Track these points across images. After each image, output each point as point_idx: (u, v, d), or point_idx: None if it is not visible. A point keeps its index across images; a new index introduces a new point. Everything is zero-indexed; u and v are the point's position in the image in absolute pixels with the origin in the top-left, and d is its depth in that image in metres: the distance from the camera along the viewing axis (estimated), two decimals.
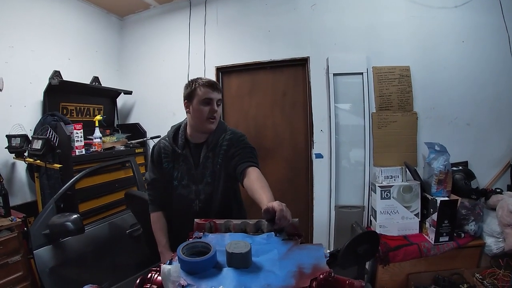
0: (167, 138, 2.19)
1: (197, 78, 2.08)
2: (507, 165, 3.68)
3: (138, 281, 1.17)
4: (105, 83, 4.60)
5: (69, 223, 2.74)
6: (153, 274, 1.19)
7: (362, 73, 3.82)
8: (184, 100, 2.09)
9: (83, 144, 3.59)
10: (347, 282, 1.12)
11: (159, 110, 4.76)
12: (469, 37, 3.65)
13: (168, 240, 2.19)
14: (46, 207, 2.97)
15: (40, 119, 3.63)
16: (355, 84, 3.85)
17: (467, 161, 3.68)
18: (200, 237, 1.55)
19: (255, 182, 1.82)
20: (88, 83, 4.36)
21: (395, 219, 3.36)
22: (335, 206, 3.88)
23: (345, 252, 1.39)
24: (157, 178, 2.21)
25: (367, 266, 3.26)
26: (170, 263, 1.27)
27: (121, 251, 3.32)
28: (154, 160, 2.21)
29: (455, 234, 3.19)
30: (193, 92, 2.03)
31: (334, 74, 3.88)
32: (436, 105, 3.74)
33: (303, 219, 4.06)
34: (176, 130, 2.20)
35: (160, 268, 1.16)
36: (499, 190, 3.47)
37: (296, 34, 4.14)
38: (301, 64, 4.17)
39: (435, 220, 3.13)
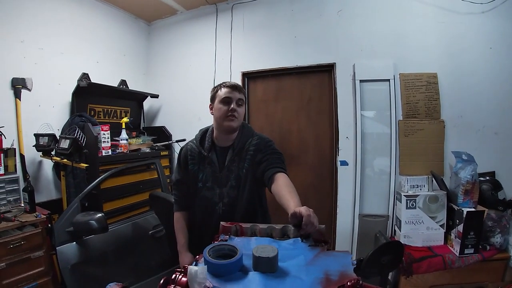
0: (194, 141, 2.22)
1: (222, 82, 2.12)
2: None
3: (162, 281, 1.17)
4: (132, 86, 4.69)
5: (93, 222, 2.79)
6: (178, 275, 1.18)
7: (389, 80, 3.77)
8: (209, 104, 2.14)
9: (109, 145, 3.66)
10: None
11: (184, 114, 4.81)
12: (496, 43, 3.56)
13: (187, 241, 2.23)
14: (71, 205, 3.03)
15: (68, 120, 3.72)
16: (381, 91, 3.81)
17: (494, 171, 3.56)
18: (226, 240, 1.55)
19: (283, 188, 1.82)
20: (116, 86, 4.45)
21: (420, 229, 3.29)
22: (359, 214, 3.82)
23: (368, 261, 1.37)
24: (182, 180, 2.25)
25: (389, 277, 3.19)
26: (196, 265, 1.28)
27: (143, 252, 3.35)
28: (180, 162, 2.24)
29: (480, 247, 3.09)
30: (215, 93, 2.09)
31: (361, 81, 3.84)
32: (463, 113, 3.66)
33: (326, 227, 3.96)
34: (204, 133, 2.23)
35: (184, 269, 1.17)
36: None
37: (322, 40, 4.13)
38: (327, 70, 4.15)
39: (461, 231, 3.05)
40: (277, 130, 4.39)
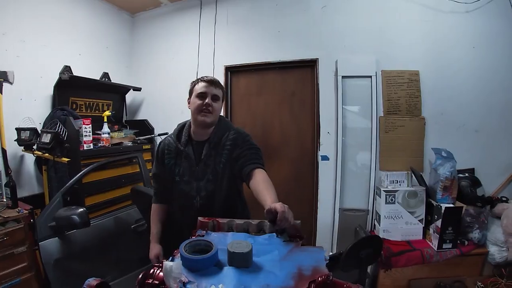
0: (172, 136, 2.24)
1: (201, 77, 2.14)
2: None
3: (140, 276, 1.20)
4: (114, 79, 4.63)
5: (75, 216, 2.78)
6: (155, 270, 1.22)
7: (371, 76, 3.80)
8: (188, 98, 2.16)
9: (91, 139, 3.61)
10: (345, 286, 1.14)
11: (167, 107, 4.79)
12: (480, 42, 3.62)
13: (158, 232, 2.29)
14: (53, 200, 3.02)
15: (50, 113, 3.67)
16: (363, 87, 3.84)
17: (473, 168, 3.65)
18: (203, 235, 1.58)
19: (261, 184, 1.84)
20: (98, 78, 4.39)
21: (399, 224, 3.35)
22: (339, 208, 3.87)
23: (347, 255, 1.40)
24: (159, 173, 2.28)
25: (368, 270, 3.25)
26: (172, 260, 1.30)
27: (125, 246, 3.35)
28: (158, 156, 2.27)
29: (458, 242, 3.16)
30: (193, 88, 2.12)
31: (343, 77, 3.87)
32: (444, 110, 3.72)
33: (306, 220, 4.08)
34: (181, 128, 2.25)
35: (162, 265, 1.19)
36: (505, 199, 3.44)
37: (306, 35, 4.14)
38: (310, 65, 4.17)
39: (439, 226, 3.11)
40: (259, 124, 4.40)
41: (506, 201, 3.39)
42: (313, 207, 4.12)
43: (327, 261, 1.35)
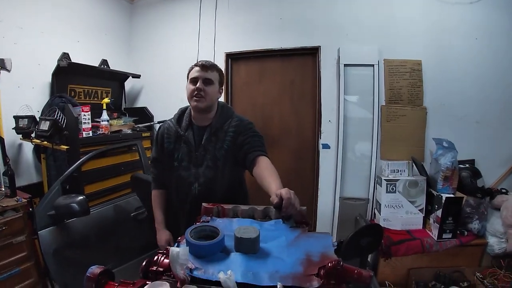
0: (172, 120, 2.21)
1: (196, 61, 2.10)
2: None
3: (144, 263, 1.18)
4: (113, 66, 4.57)
5: (74, 205, 2.75)
6: (160, 257, 1.19)
7: (373, 65, 3.78)
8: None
9: (90, 126, 3.58)
10: (356, 271, 1.11)
11: (167, 95, 4.74)
12: (483, 34, 3.61)
13: (164, 218, 2.27)
14: (52, 188, 2.99)
15: (48, 101, 3.62)
16: (365, 76, 3.83)
17: (474, 160, 3.66)
18: (208, 221, 1.55)
19: (265, 171, 1.84)
20: (97, 65, 4.35)
21: (399, 213, 3.37)
22: (339, 197, 3.89)
23: (348, 243, 1.40)
24: (158, 158, 2.25)
25: (369, 259, 3.26)
26: (178, 246, 1.28)
27: (125, 234, 3.33)
28: (157, 140, 2.23)
29: (458, 232, 3.18)
30: (188, 73, 2.07)
31: (345, 65, 3.84)
32: (446, 101, 3.72)
33: (307, 209, 4.00)
34: (182, 112, 2.21)
35: (167, 251, 1.17)
36: (504, 190, 3.46)
37: (308, 22, 4.09)
38: (312, 53, 4.13)
39: (439, 216, 3.12)
40: (259, 113, 4.38)
41: (506, 193, 3.41)
42: (313, 195, 4.13)
43: (335, 247, 1.34)
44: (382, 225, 3.29)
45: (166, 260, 1.15)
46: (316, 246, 1.32)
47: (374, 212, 3.69)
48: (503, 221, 3.13)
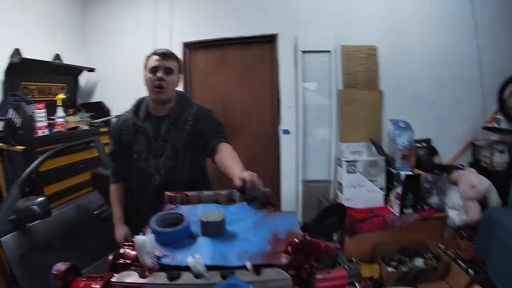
0: (130, 111, 2.14)
1: (154, 50, 2.04)
2: (469, 143, 3.85)
3: (111, 257, 1.15)
4: (67, 60, 4.42)
5: (34, 207, 2.61)
6: (126, 249, 1.17)
7: (330, 51, 3.84)
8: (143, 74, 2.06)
9: (46, 124, 3.44)
10: (323, 244, 1.14)
11: (124, 87, 4.54)
12: (437, 19, 3.78)
13: (122, 213, 2.23)
14: (11, 192, 2.83)
15: (2, 100, 3.47)
16: (323, 62, 3.89)
17: (429, 138, 3.79)
18: (172, 209, 1.52)
19: (227, 157, 1.82)
20: (50, 61, 4.20)
21: (361, 192, 3.42)
22: (302, 180, 3.91)
23: (315, 224, 1.41)
24: (116, 151, 2.18)
25: (334, 238, 3.28)
26: (143, 235, 1.25)
27: (90, 233, 3.20)
28: (115, 133, 2.18)
29: (418, 207, 3.27)
30: (146, 63, 2.02)
31: (303, 51, 3.89)
32: (402, 84, 3.83)
33: (271, 194, 4.01)
34: (139, 103, 2.15)
35: (132, 244, 1.15)
36: (461, 166, 3.61)
37: (266, 10, 4.10)
38: (270, 40, 4.14)
39: (400, 193, 3.20)
40: (219, 101, 4.32)
41: (462, 168, 3.54)
42: (277, 180, 4.12)
43: (301, 224, 1.36)
44: (346, 205, 3.32)
45: (133, 252, 1.13)
46: (282, 224, 1.33)
47: (337, 193, 3.72)
48: (461, 194, 3.24)
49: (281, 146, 4.08)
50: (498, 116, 3.71)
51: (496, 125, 3.71)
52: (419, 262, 3.13)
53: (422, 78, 3.81)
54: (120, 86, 4.60)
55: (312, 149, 3.93)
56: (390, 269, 3.04)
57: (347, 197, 3.42)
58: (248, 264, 1.04)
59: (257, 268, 1.03)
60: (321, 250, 1.13)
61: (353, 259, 3.23)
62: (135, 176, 2.11)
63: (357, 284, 1.16)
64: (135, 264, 1.11)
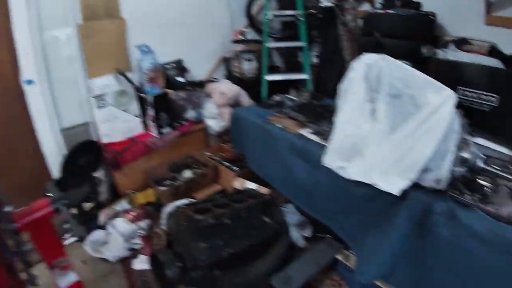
0: None
1: None
2: (221, 58, 4.10)
3: None
4: None
5: None
6: None
7: None
8: None
9: None
10: None
11: None
12: None
13: None
14: None
15: None
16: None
17: (181, 59, 3.85)
18: None
19: None
20: None
21: (117, 124, 3.33)
22: (60, 129, 3.55)
23: (64, 171, 1.25)
24: None
25: (102, 177, 3.16)
26: None
27: None
28: None
29: (177, 124, 3.38)
30: None
31: None
32: (146, 8, 3.70)
33: (29, 154, 3.56)
34: None
35: None
36: (215, 79, 3.88)
37: None
38: None
39: (152, 114, 3.25)
40: None
41: (216, 81, 3.80)
42: (33, 136, 3.63)
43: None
44: (106, 141, 3.25)
45: None
46: None
47: (97, 133, 3.53)
48: (215, 103, 3.45)
49: (29, 98, 3.58)
50: (244, 30, 3.98)
51: (242, 37, 3.98)
52: (187, 173, 3.28)
53: (170, 2, 3.79)
54: None
55: (62, 93, 3.56)
56: (163, 188, 3.11)
57: (105, 133, 3.29)
58: None
59: None
60: None
61: (130, 192, 3.20)
62: None
63: (61, 208, 1.07)
64: None
